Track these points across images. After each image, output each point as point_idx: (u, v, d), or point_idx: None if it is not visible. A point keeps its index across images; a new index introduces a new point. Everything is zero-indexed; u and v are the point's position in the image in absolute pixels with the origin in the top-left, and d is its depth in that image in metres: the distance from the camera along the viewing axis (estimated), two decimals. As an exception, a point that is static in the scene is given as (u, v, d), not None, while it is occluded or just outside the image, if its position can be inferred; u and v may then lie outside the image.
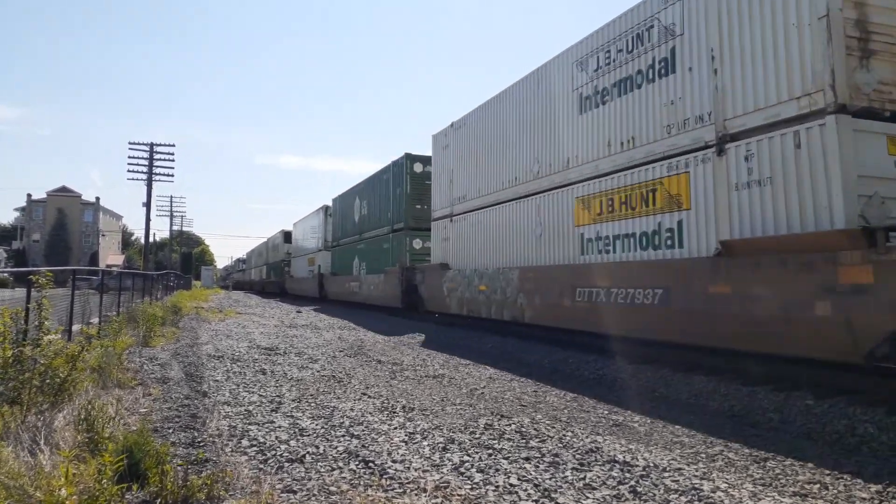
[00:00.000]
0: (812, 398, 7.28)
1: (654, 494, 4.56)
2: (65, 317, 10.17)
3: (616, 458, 5.41)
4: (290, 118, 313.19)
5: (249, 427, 6.28)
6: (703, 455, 5.69)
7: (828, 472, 5.22)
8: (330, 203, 38.61)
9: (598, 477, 4.93)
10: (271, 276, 59.39)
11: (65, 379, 6.08)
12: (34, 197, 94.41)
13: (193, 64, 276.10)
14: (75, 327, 10.70)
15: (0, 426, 4.93)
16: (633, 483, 4.80)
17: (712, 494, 4.54)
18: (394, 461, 5.25)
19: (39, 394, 5.76)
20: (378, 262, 27.35)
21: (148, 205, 46.73)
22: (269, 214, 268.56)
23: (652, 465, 5.24)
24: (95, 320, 12.69)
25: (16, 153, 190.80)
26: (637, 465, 5.22)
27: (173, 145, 49.37)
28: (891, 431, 6.15)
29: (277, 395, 7.94)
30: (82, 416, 5.34)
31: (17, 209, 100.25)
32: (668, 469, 5.14)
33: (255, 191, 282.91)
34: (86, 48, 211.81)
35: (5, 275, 33.62)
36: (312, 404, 7.50)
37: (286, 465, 5.12)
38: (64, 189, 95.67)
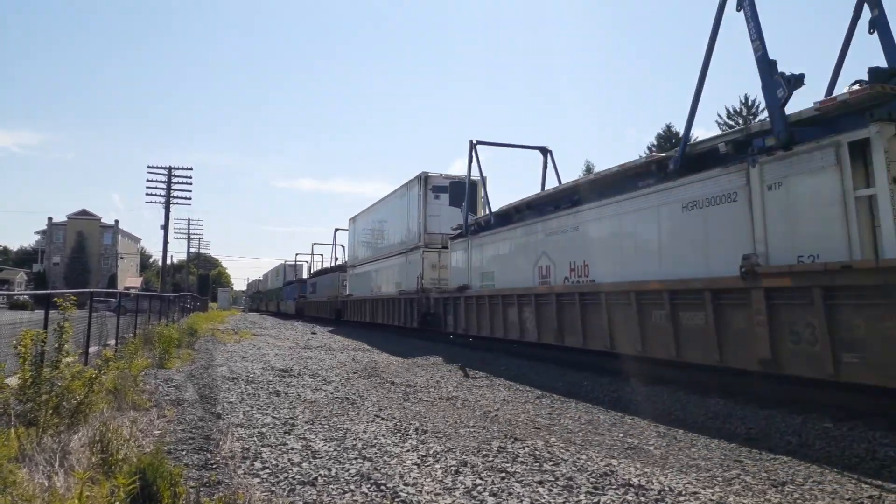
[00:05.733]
0: (830, 421, 7.16)
1: (669, 519, 4.49)
2: (82, 338, 10.29)
3: (631, 482, 5.34)
4: (307, 141, 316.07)
5: (262, 449, 6.29)
6: (720, 479, 5.61)
7: (847, 497, 5.12)
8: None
9: (613, 501, 4.87)
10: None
11: (81, 401, 6.14)
12: (55, 220, 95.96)
13: (212, 92, 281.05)
14: (92, 349, 10.82)
15: (16, 448, 4.98)
16: (647, 507, 4.74)
17: (728, 519, 4.47)
18: (406, 484, 5.23)
19: (56, 416, 5.82)
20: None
21: (165, 227, 47.37)
22: (285, 237, 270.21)
23: (667, 488, 5.17)
24: (112, 342, 12.81)
25: (38, 177, 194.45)
26: (652, 489, 5.15)
27: (191, 168, 49.96)
28: (912, 455, 6.03)
29: (291, 417, 7.95)
30: (97, 438, 5.38)
31: (37, 232, 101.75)
32: (683, 493, 5.07)
33: (273, 214, 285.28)
34: (108, 75, 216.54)
35: (25, 297, 34.18)
36: (325, 426, 7.49)
37: (298, 487, 5.11)
38: (84, 212, 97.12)
